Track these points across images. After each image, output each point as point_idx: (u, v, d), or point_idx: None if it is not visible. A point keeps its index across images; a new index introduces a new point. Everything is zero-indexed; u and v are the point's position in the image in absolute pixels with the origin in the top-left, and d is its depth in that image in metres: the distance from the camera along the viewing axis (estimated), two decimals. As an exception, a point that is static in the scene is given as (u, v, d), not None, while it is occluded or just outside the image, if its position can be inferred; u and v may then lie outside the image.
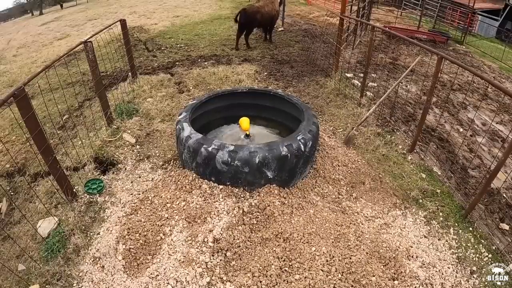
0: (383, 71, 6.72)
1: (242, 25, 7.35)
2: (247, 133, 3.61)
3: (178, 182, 3.18)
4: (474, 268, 2.57)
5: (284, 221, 2.77)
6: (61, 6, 22.91)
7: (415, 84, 6.35)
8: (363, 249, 2.60)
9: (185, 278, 2.32)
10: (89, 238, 2.73)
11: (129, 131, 4.10)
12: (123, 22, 5.13)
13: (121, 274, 2.40)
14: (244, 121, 3.61)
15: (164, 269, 2.41)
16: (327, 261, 2.47)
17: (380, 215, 3.02)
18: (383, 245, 2.66)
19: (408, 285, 2.35)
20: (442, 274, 2.50)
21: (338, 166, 3.58)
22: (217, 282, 2.31)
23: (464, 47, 10.87)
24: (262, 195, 2.97)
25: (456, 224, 2.96)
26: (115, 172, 3.50)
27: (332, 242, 2.65)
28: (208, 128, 3.87)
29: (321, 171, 3.44)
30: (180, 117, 3.44)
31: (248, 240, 2.61)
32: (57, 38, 11.12)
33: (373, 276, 2.38)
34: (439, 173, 3.64)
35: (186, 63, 6.78)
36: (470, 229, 2.92)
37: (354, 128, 3.98)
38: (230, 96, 4.09)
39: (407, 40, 4.40)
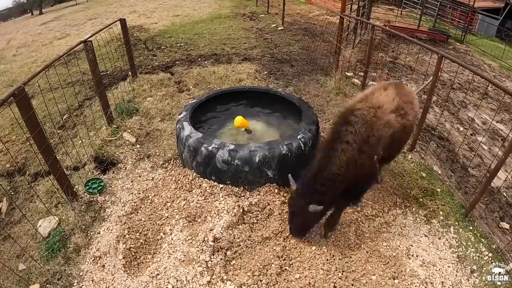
0: (383, 70, 6.72)
1: None
2: (246, 128, 3.62)
3: (179, 181, 3.18)
4: (475, 267, 2.57)
5: (285, 220, 2.77)
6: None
7: (415, 83, 6.34)
8: (363, 248, 2.60)
9: (186, 277, 2.32)
10: (89, 238, 2.73)
11: (129, 131, 4.10)
12: (123, 22, 5.12)
13: (122, 273, 2.40)
14: (239, 119, 3.56)
15: (165, 268, 2.41)
16: (327, 260, 2.47)
17: (381, 214, 3.02)
18: (383, 244, 2.66)
19: (408, 284, 2.35)
20: (443, 273, 2.50)
21: (338, 165, 3.57)
22: (218, 281, 2.31)
23: (464, 46, 10.86)
24: (263, 194, 2.97)
25: (457, 223, 2.96)
26: (115, 172, 3.50)
27: (333, 241, 2.65)
28: (207, 124, 3.87)
29: (321, 170, 3.43)
30: (180, 116, 3.43)
31: (248, 239, 2.61)
32: (57, 37, 11.10)
33: (373, 275, 2.38)
34: (439, 172, 3.64)
35: (186, 62, 6.78)
36: (471, 228, 2.91)
37: None
38: (230, 95, 4.08)
39: (407, 39, 4.39)
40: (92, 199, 3.12)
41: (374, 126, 2.27)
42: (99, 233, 2.77)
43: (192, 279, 2.31)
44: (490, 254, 2.66)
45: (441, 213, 3.06)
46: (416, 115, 2.75)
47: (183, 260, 2.44)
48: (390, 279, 2.38)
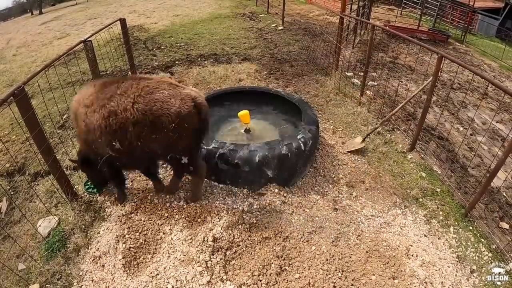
0: (383, 70, 6.72)
1: None
2: (247, 127, 3.61)
3: (178, 181, 3.17)
4: (474, 267, 2.57)
5: (284, 220, 2.77)
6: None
7: (415, 83, 6.34)
8: (363, 248, 2.60)
9: (185, 277, 2.32)
10: (89, 237, 2.73)
11: (129, 130, 4.09)
12: (122, 21, 5.11)
13: (121, 273, 2.40)
14: (244, 115, 3.57)
15: (164, 268, 2.41)
16: (327, 260, 2.47)
17: (380, 214, 3.02)
18: (383, 244, 2.66)
19: (408, 284, 2.35)
20: (442, 273, 2.50)
21: (338, 165, 3.58)
22: (217, 281, 2.31)
23: (464, 46, 10.86)
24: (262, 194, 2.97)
25: (456, 223, 2.96)
26: (115, 171, 3.50)
27: (332, 241, 2.65)
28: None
29: (321, 170, 3.44)
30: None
31: (248, 239, 2.61)
32: (57, 37, 11.10)
33: (373, 275, 2.38)
34: (439, 172, 3.64)
35: (186, 62, 6.77)
36: (470, 228, 2.92)
37: (363, 140, 3.92)
38: (230, 95, 4.08)
39: (407, 39, 4.39)
40: (91, 199, 3.11)
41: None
42: (98, 233, 2.77)
43: (192, 279, 2.31)
44: (490, 254, 2.66)
45: (441, 213, 3.06)
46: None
47: (183, 260, 2.44)
48: (389, 279, 2.38)
